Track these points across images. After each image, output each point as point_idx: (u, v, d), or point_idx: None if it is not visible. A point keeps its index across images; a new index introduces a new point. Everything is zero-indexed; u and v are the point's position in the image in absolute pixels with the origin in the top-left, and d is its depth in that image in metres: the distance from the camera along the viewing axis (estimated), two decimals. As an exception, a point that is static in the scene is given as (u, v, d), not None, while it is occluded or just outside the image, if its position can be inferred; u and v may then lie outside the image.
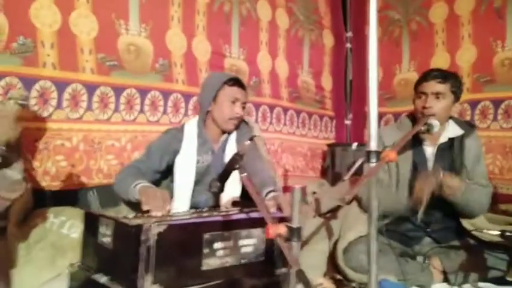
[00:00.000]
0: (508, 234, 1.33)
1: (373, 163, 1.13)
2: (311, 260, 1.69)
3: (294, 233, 0.99)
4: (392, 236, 1.79)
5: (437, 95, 1.70)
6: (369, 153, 1.14)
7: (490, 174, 2.89)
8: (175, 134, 1.75)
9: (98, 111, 2.25)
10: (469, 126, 1.82)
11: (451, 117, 1.82)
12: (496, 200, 2.82)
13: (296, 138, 3.41)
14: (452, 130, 1.77)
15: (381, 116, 3.63)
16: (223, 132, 1.75)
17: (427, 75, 1.74)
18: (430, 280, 1.62)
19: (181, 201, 1.66)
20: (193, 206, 1.68)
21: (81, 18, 2.18)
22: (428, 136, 1.75)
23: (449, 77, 1.73)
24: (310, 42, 3.51)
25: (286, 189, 3.23)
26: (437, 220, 1.76)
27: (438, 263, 1.66)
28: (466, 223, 1.74)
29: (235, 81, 1.70)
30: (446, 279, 1.64)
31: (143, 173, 1.66)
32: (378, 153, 1.14)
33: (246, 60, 3.01)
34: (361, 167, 1.22)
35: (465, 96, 3.04)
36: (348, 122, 3.76)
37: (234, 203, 1.69)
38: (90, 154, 2.22)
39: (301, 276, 0.88)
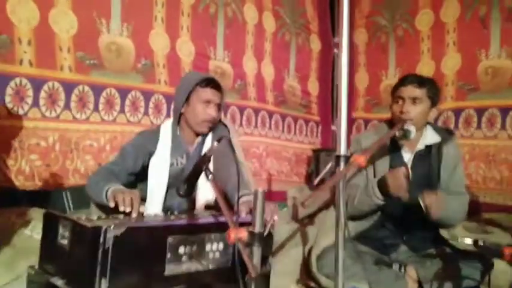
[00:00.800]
0: (480, 243, 1.31)
1: (342, 167, 1.11)
2: (284, 266, 1.66)
3: (255, 238, 0.96)
4: (369, 243, 1.77)
5: (414, 99, 1.69)
6: (337, 157, 1.12)
7: (473, 183, 2.91)
8: (150, 136, 1.71)
9: (75, 111, 2.21)
10: (447, 134, 1.80)
11: (429, 124, 1.81)
12: (480, 209, 2.82)
13: (281, 142, 3.39)
14: (430, 137, 1.75)
15: (367, 121, 3.63)
16: (198, 134, 1.71)
17: (404, 80, 1.73)
18: (405, 288, 1.60)
19: (153, 204, 1.61)
20: (167, 209, 1.63)
21: (60, 15, 2.15)
22: (406, 142, 1.73)
23: (426, 82, 1.73)
24: (297, 47, 3.50)
25: (269, 193, 3.21)
26: (414, 228, 1.73)
27: (413, 271, 1.63)
28: (442, 232, 1.72)
29: (209, 82, 1.66)
30: (421, 288, 1.62)
31: (116, 175, 1.61)
32: (347, 158, 1.11)
33: (230, 63, 2.98)
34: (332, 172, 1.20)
35: (449, 104, 3.06)
36: (334, 127, 3.75)
37: (208, 207, 1.66)
38: (67, 154, 2.18)
39: (260, 283, 0.85)
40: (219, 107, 1.70)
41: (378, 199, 1.62)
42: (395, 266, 1.70)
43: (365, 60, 3.68)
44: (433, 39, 3.18)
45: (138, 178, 1.73)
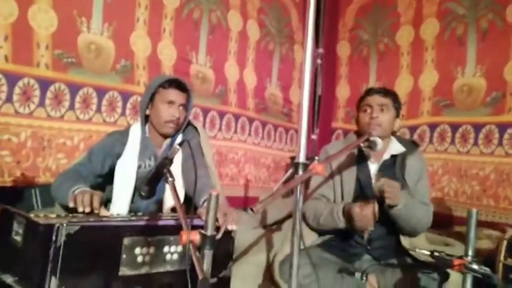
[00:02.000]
0: (436, 254, 1.34)
1: (300, 174, 1.13)
2: (245, 272, 1.67)
3: (207, 241, 0.97)
4: (333, 251, 1.79)
5: (382, 106, 1.75)
6: (296, 164, 1.14)
7: (445, 197, 2.96)
8: (119, 137, 1.71)
9: (50, 108, 2.20)
10: (412, 145, 1.85)
11: (394, 135, 1.85)
12: (451, 222, 2.88)
13: (260, 149, 3.41)
14: (395, 147, 1.80)
15: (346, 132, 3.68)
16: (166, 136, 1.72)
17: (370, 91, 1.81)
18: (365, 297, 1.62)
19: (119, 206, 1.61)
20: (133, 211, 1.63)
21: (40, 12, 2.14)
22: (373, 153, 1.77)
23: (390, 92, 1.81)
24: (280, 56, 3.54)
25: (246, 199, 3.23)
26: (378, 238, 1.77)
27: (374, 280, 1.66)
28: (405, 242, 1.75)
29: (171, 83, 1.67)
30: (381, 297, 1.64)
31: (84, 177, 1.61)
32: (306, 165, 1.14)
33: (212, 68, 3.00)
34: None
35: (425, 118, 3.12)
36: (314, 136, 3.78)
37: (174, 209, 1.66)
38: (38, 151, 2.16)
39: (204, 286, 0.86)
40: (185, 107, 1.71)
41: (341, 223, 1.66)
42: (358, 275, 1.73)
43: (347, 72, 3.74)
44: (413, 55, 3.25)
45: (107, 180, 1.72)
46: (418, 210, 1.71)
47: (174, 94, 1.66)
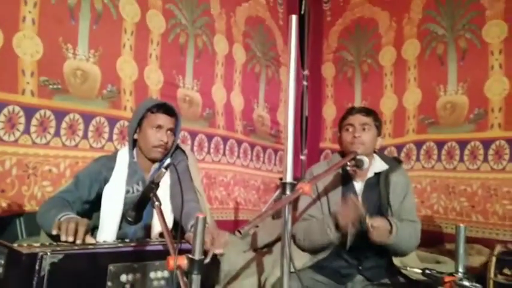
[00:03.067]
0: (427, 272, 1.33)
1: (288, 194, 1.12)
2: (237, 295, 1.64)
3: (194, 265, 0.95)
4: (325, 273, 1.77)
5: (363, 125, 1.78)
6: (284, 184, 1.14)
7: (434, 214, 2.97)
8: (106, 162, 1.69)
9: (35, 135, 2.18)
10: (394, 162, 1.87)
11: (376, 153, 1.88)
12: (441, 239, 2.88)
13: (249, 171, 3.40)
14: (378, 165, 1.82)
15: (334, 152, 3.69)
16: (155, 161, 1.71)
17: (352, 110, 1.84)
18: (358, 319, 1.60)
19: (106, 232, 1.58)
20: (121, 237, 1.60)
21: (25, 39, 2.15)
22: (358, 172, 1.79)
23: (371, 111, 1.85)
24: (266, 78, 3.59)
25: (236, 222, 3.19)
26: (369, 258, 1.75)
27: (367, 301, 1.65)
28: (396, 261, 1.74)
29: (159, 108, 1.68)
30: (374, 318, 1.62)
31: (70, 204, 1.58)
32: (293, 185, 1.13)
33: (199, 91, 3.02)
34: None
35: (411, 136, 3.17)
36: (303, 157, 3.80)
37: (162, 235, 1.63)
38: (24, 179, 2.12)
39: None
40: (173, 132, 1.71)
41: (332, 233, 1.65)
42: (350, 296, 1.71)
43: (332, 93, 3.80)
44: (395, 74, 3.32)
45: (94, 206, 1.69)
46: (407, 235, 1.71)
47: (162, 119, 1.66)
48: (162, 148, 1.67)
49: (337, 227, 1.64)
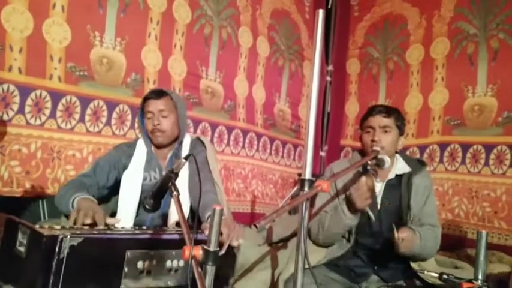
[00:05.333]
0: (445, 276, 1.30)
1: (306, 191, 1.11)
2: (250, 288, 1.64)
3: (209, 256, 0.95)
4: (339, 271, 1.76)
5: (384, 128, 1.73)
6: (302, 181, 1.13)
7: (455, 218, 2.91)
8: (126, 149, 1.73)
9: (61, 120, 2.23)
10: (418, 164, 1.83)
11: (398, 154, 1.83)
12: (461, 244, 2.81)
13: (268, 165, 3.40)
14: (401, 166, 1.78)
15: (354, 149, 3.64)
16: (163, 147, 1.75)
17: (373, 111, 1.78)
18: (371, 319, 1.58)
19: (124, 218, 1.60)
20: (138, 224, 1.63)
21: (54, 26, 2.19)
22: (379, 172, 1.75)
23: (393, 111, 1.79)
24: (289, 72, 3.56)
25: (252, 215, 3.20)
26: (387, 259, 1.73)
27: (381, 302, 1.63)
28: (414, 264, 1.71)
29: (149, 94, 1.74)
30: (388, 320, 1.60)
31: (87, 188, 1.61)
32: (311, 182, 1.12)
33: (222, 83, 3.03)
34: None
35: (435, 138, 3.09)
36: (322, 153, 3.76)
37: (179, 224, 1.65)
38: (48, 162, 2.18)
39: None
40: (169, 114, 1.72)
41: (346, 217, 1.62)
42: (364, 296, 1.69)
43: (356, 90, 3.74)
44: (422, 73, 3.24)
45: (112, 192, 1.73)
46: (429, 243, 1.67)
47: (150, 104, 1.72)
48: (158, 132, 1.69)
49: (352, 209, 1.62)
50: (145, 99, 1.74)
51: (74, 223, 1.30)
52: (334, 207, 1.70)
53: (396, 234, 1.53)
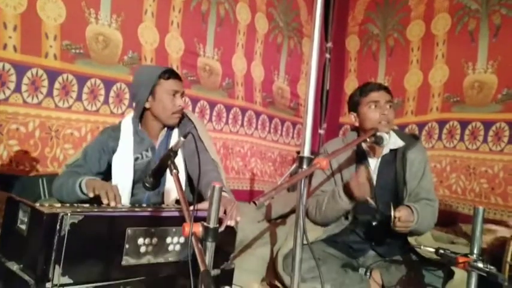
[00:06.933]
0: (441, 251, 1.33)
1: (304, 168, 1.12)
2: (249, 264, 1.67)
3: (209, 233, 0.97)
4: (338, 247, 1.79)
5: (389, 103, 1.73)
6: (301, 158, 1.13)
7: (452, 194, 2.93)
8: (111, 133, 1.71)
9: (58, 99, 2.22)
10: (412, 138, 1.83)
11: (392, 129, 1.83)
12: (457, 220, 2.85)
13: (267, 143, 3.40)
14: (393, 142, 1.77)
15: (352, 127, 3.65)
16: (165, 127, 1.72)
17: (377, 86, 1.77)
18: (368, 292, 1.62)
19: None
20: (135, 203, 1.64)
21: (49, 3, 2.16)
22: (373, 149, 1.76)
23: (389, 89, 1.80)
24: (288, 49, 3.51)
25: (251, 193, 3.23)
26: (384, 235, 1.75)
27: (378, 276, 1.65)
28: (410, 239, 1.74)
29: (171, 74, 1.67)
30: (384, 293, 1.64)
31: (82, 176, 1.61)
32: (310, 159, 1.13)
33: (220, 61, 3.00)
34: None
35: (434, 115, 3.08)
36: (321, 131, 3.76)
37: (178, 202, 1.66)
38: (46, 141, 2.18)
39: (205, 278, 0.86)
40: (183, 96, 1.71)
41: (343, 202, 1.64)
42: (362, 270, 1.72)
43: (356, 67, 3.71)
44: (423, 50, 3.20)
45: (105, 177, 1.72)
46: (426, 218, 1.68)
47: (176, 84, 1.66)
48: (179, 113, 1.67)
49: (349, 197, 1.63)
50: (164, 77, 1.65)
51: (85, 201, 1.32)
52: (332, 192, 1.71)
53: (393, 213, 1.55)
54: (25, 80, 2.09)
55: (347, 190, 1.62)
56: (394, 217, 1.55)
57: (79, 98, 2.29)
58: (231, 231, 1.34)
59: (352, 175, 1.64)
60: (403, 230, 1.59)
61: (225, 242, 1.34)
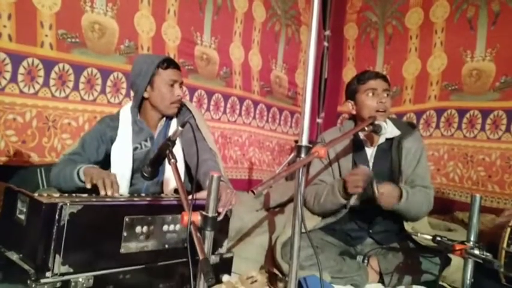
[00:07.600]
0: (438, 239, 1.34)
1: (302, 157, 1.12)
2: (248, 252, 1.68)
3: (208, 222, 0.97)
4: (336, 235, 1.80)
5: (386, 91, 1.73)
6: (299, 147, 1.14)
7: (450, 182, 2.95)
8: (110, 122, 1.70)
9: (54, 88, 2.20)
10: (408, 127, 1.83)
11: (388, 118, 1.84)
12: (454, 208, 2.87)
13: (265, 132, 3.40)
14: (390, 130, 1.78)
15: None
16: (164, 117, 1.71)
17: (375, 74, 1.77)
18: (365, 280, 1.63)
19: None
20: (134, 193, 1.64)
21: (43, -9, 2.12)
22: (369, 138, 1.76)
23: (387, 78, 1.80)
24: (286, 38, 3.49)
25: (250, 182, 3.24)
26: (380, 223, 1.77)
27: (375, 263, 1.67)
28: (407, 226, 1.75)
29: (169, 63, 1.65)
30: (382, 280, 1.66)
31: (79, 165, 1.61)
32: (308, 148, 1.13)
33: (217, 50, 2.97)
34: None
35: (432, 103, 3.08)
36: (319, 120, 3.76)
37: (177, 191, 1.67)
38: (44, 131, 2.17)
39: (204, 266, 0.86)
40: (182, 85, 1.70)
41: (341, 196, 1.65)
42: (359, 258, 1.74)
43: (354, 55, 3.69)
44: (421, 38, 3.18)
45: (103, 166, 1.72)
46: (417, 201, 1.69)
47: (174, 74, 1.64)
48: (178, 103, 1.66)
49: (347, 191, 1.64)
50: (162, 67, 1.64)
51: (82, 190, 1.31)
52: (331, 187, 1.72)
53: (375, 187, 1.55)
54: (21, 70, 2.07)
55: (344, 184, 1.64)
56: (377, 193, 1.55)
57: (76, 87, 2.28)
58: (224, 218, 1.35)
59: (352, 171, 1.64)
60: (389, 207, 1.60)
61: (219, 228, 1.35)
